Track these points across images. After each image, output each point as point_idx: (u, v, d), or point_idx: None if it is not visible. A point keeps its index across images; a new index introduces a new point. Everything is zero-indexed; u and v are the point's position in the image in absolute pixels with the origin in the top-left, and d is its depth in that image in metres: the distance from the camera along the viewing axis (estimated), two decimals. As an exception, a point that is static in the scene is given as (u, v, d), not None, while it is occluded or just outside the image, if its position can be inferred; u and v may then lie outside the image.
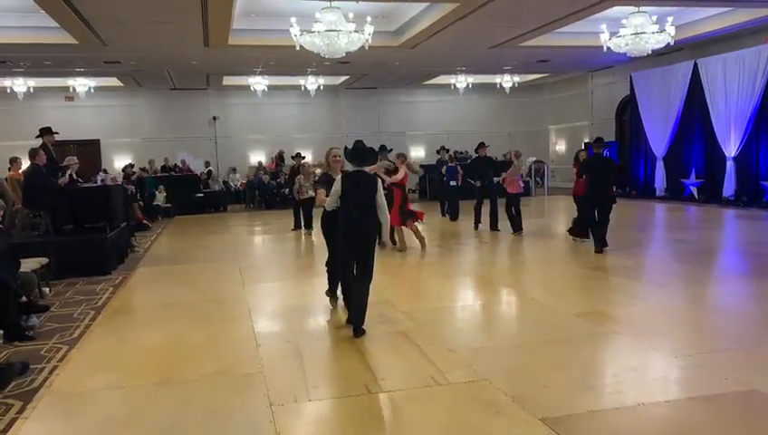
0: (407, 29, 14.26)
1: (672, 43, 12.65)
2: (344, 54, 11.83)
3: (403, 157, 10.80)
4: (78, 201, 9.59)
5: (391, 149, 11.20)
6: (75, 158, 10.63)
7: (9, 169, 11.61)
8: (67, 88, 19.87)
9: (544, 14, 12.78)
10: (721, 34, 15.39)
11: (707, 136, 17.07)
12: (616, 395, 4.16)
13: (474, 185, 12.82)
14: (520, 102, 25.24)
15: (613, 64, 20.12)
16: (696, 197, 17.28)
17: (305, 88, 20.78)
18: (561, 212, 17.14)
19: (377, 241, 6.12)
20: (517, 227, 11.82)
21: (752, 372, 4.46)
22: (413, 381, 4.51)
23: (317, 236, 12.90)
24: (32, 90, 19.34)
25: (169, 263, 10.43)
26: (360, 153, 5.79)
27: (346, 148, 5.96)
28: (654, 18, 12.09)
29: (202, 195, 19.79)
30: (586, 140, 21.90)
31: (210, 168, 21.86)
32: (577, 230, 10.61)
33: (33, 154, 9.17)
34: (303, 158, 14.96)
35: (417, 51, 15.59)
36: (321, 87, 21.00)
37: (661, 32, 12.16)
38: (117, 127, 22.47)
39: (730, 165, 16.20)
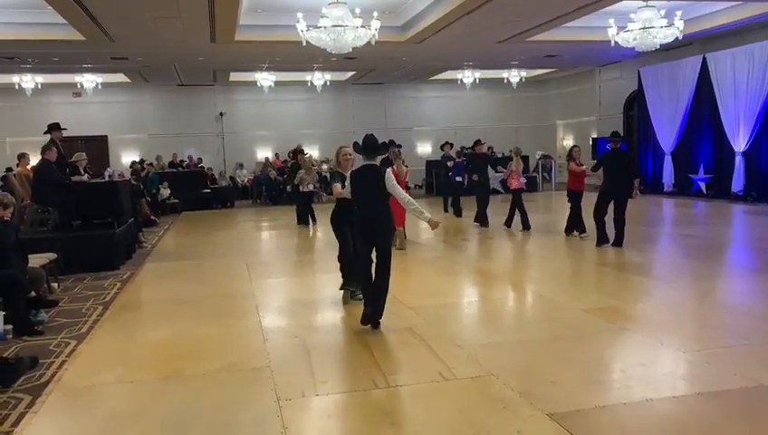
0: (413, 24, 14.22)
1: (681, 38, 12.53)
2: (351, 50, 11.79)
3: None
4: (86, 197, 9.61)
5: (400, 145, 11.18)
6: (84, 154, 10.66)
7: (17, 165, 11.68)
8: (74, 84, 19.96)
9: (552, 9, 12.71)
10: (730, 29, 15.27)
11: (716, 131, 16.96)
12: (624, 390, 4.15)
13: (473, 180, 12.89)
14: (527, 98, 25.16)
15: (621, 59, 20.00)
16: (705, 192, 17.18)
17: (312, 84, 20.77)
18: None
19: (392, 231, 6.15)
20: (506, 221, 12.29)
21: (760, 367, 4.44)
22: (420, 376, 4.51)
23: (322, 231, 12.95)
24: (39, 86, 19.42)
25: (177, 258, 10.46)
26: (370, 145, 5.81)
27: (356, 143, 5.98)
28: (662, 12, 12.01)
29: (209, 191, 19.85)
30: (594, 136, 21.85)
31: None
32: (572, 226, 10.80)
33: (45, 150, 9.22)
34: (304, 154, 14.96)
35: (423, 46, 15.54)
36: (328, 83, 20.98)
37: (670, 26, 12.07)
38: (124, 123, 22.57)
39: (739, 160, 16.09)
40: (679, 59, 17.70)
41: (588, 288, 7.36)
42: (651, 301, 6.64)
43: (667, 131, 18.47)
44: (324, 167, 22.03)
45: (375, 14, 11.32)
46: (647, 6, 12.05)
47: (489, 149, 16.55)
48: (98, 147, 21.59)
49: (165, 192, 18.44)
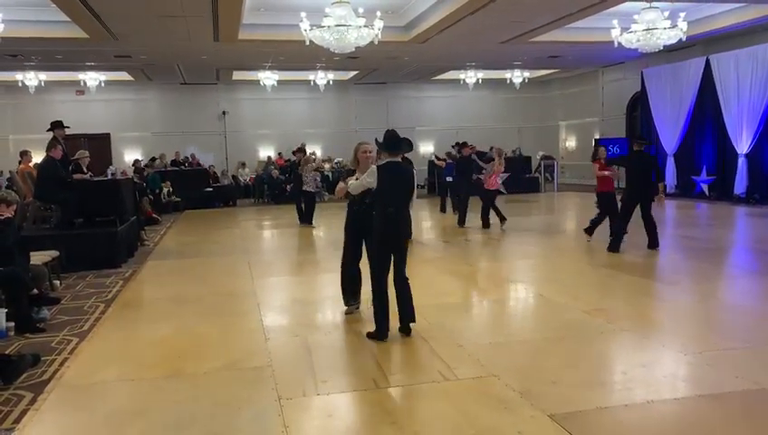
0: (417, 24, 14.23)
1: (684, 39, 12.53)
2: (354, 49, 11.81)
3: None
4: (88, 195, 9.63)
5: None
6: (87, 152, 10.68)
7: (20, 163, 11.70)
8: (78, 82, 19.97)
9: (555, 9, 12.70)
10: (733, 30, 15.25)
11: (719, 133, 16.93)
12: (625, 392, 4.15)
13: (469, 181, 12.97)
14: (530, 98, 25.16)
15: (624, 60, 19.99)
16: (707, 194, 17.15)
17: (314, 83, 20.77)
18: (571, 209, 17.10)
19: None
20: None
21: (762, 370, 4.43)
22: (421, 376, 4.51)
23: (322, 230, 12.96)
24: (43, 84, 19.45)
25: (179, 257, 10.47)
26: (395, 140, 5.36)
27: (376, 140, 5.56)
28: (666, 14, 12.00)
29: (211, 189, 19.87)
30: (596, 137, 21.83)
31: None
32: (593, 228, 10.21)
33: (50, 147, 9.23)
34: (304, 153, 14.95)
35: (426, 46, 15.54)
36: (331, 82, 20.99)
37: (673, 27, 12.06)
38: (127, 121, 22.61)
39: (742, 162, 16.06)
40: (682, 60, 17.67)
41: (589, 289, 7.34)
42: (653, 302, 6.63)
43: (669, 133, 18.44)
44: (326, 166, 22.06)
45: (378, 13, 11.33)
46: (650, 8, 12.04)
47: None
48: (100, 145, 21.59)
49: (165, 190, 18.42)
